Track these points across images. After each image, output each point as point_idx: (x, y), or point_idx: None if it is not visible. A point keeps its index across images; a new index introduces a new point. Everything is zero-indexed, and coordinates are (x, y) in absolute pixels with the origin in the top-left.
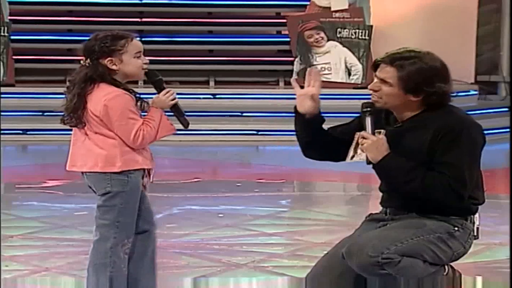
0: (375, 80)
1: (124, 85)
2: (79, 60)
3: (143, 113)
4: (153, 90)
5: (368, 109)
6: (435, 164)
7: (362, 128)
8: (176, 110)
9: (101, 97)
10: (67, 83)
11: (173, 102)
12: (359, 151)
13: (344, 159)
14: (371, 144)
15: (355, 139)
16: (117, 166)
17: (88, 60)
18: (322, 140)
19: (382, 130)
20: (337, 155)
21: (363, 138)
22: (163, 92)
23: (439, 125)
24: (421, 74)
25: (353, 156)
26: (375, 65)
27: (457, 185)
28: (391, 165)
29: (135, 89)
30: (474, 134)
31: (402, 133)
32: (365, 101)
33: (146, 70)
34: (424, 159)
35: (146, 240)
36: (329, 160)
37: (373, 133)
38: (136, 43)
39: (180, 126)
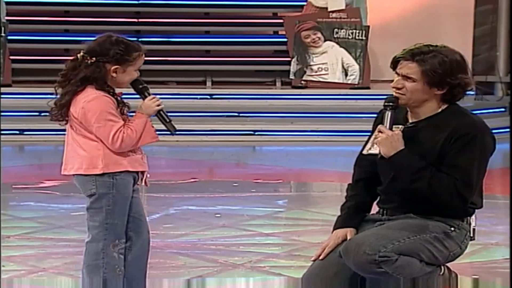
0: (396, 77)
1: (108, 89)
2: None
3: (130, 114)
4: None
5: (391, 103)
6: (445, 165)
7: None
8: (161, 116)
9: (81, 99)
10: (60, 77)
11: (159, 107)
12: (375, 144)
13: None
14: (386, 138)
15: (376, 132)
16: (99, 168)
17: (93, 59)
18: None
19: (400, 126)
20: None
21: (379, 132)
22: (149, 97)
23: (454, 127)
24: (443, 66)
25: (369, 149)
26: (394, 62)
27: (464, 189)
28: (401, 162)
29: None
30: (487, 140)
31: (415, 132)
32: (389, 96)
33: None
34: (435, 159)
35: (134, 251)
36: None
37: (391, 128)
38: (142, 59)
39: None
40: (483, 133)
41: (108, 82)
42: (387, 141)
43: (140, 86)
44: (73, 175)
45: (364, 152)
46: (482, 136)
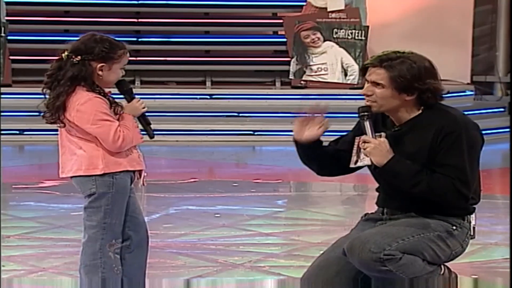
0: (366, 84)
1: (99, 89)
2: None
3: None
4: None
5: (366, 113)
6: (437, 166)
7: (362, 132)
8: (144, 119)
9: (74, 102)
10: (46, 78)
11: (144, 110)
12: (362, 155)
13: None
14: (374, 147)
15: (356, 143)
16: (99, 169)
17: (79, 58)
18: (328, 155)
19: (382, 133)
20: (345, 167)
21: (365, 142)
22: (136, 99)
23: (438, 127)
24: (411, 72)
25: (356, 161)
26: (364, 69)
27: (462, 187)
28: (397, 168)
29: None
30: (473, 134)
31: (401, 136)
32: (361, 105)
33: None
34: (424, 160)
35: (133, 249)
36: (343, 174)
37: (374, 137)
38: (127, 57)
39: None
40: (467, 128)
41: (95, 82)
42: (376, 151)
43: (127, 88)
44: (72, 176)
45: (352, 165)
46: (466, 131)
